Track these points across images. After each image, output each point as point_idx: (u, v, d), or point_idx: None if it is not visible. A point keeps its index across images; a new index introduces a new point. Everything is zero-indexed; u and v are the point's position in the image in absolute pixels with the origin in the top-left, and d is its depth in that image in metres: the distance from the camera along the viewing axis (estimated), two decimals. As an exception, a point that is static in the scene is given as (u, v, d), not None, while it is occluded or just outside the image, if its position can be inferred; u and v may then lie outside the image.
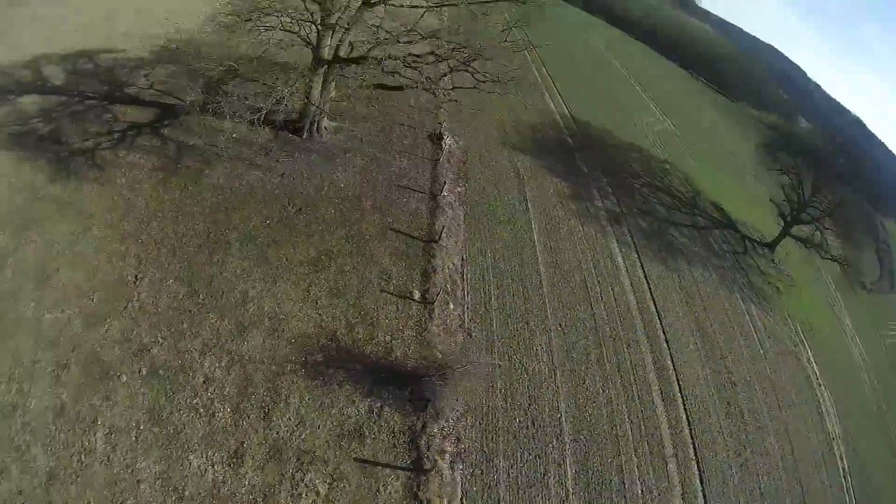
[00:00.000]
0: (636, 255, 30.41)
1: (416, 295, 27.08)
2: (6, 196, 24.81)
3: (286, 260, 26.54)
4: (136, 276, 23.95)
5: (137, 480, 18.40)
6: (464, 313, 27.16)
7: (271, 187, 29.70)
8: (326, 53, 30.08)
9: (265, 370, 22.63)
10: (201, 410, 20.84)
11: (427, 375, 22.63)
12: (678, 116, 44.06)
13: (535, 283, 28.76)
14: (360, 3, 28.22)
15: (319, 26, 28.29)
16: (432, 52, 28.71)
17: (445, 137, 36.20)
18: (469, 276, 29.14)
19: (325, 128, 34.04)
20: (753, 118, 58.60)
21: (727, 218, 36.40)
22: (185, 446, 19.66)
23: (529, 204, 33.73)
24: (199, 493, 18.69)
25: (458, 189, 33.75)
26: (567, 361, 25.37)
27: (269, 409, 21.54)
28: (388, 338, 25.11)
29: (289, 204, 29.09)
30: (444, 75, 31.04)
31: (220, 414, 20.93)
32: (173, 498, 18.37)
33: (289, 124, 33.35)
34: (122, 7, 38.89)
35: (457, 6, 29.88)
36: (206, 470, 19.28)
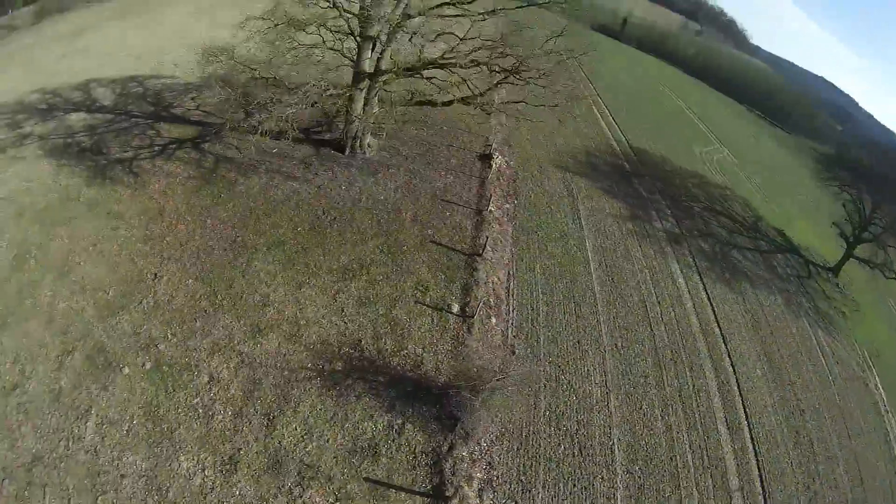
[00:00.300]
0: (698, 277, 31.11)
1: (455, 308, 26.21)
2: (42, 195, 28.39)
3: (314, 266, 27.15)
4: (155, 274, 25.57)
5: (121, 475, 18.37)
6: (507, 329, 25.77)
7: (306, 197, 31.36)
8: (367, 66, 32.85)
9: (276, 375, 22.31)
10: (200, 411, 20.69)
11: (459, 391, 21.00)
12: (735, 146, 46.79)
13: (589, 301, 28.79)
14: (399, 14, 30.90)
15: (358, 38, 31.17)
16: (474, 60, 30.20)
17: (495, 157, 37.04)
18: (515, 291, 28.16)
19: (369, 145, 36.19)
20: (808, 148, 62.91)
21: (789, 242, 38.20)
22: (178, 446, 19.48)
23: (583, 222, 34.99)
24: (184, 497, 18.11)
25: (507, 206, 33.78)
26: (623, 384, 24.66)
27: (274, 417, 20.87)
28: (418, 350, 24.11)
29: (323, 213, 30.35)
30: (490, 88, 32.46)
31: (220, 416, 20.62)
32: (155, 498, 17.97)
33: (331, 142, 35.97)
34: (172, 41, 45.65)
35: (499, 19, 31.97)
36: (195, 473, 18.79)
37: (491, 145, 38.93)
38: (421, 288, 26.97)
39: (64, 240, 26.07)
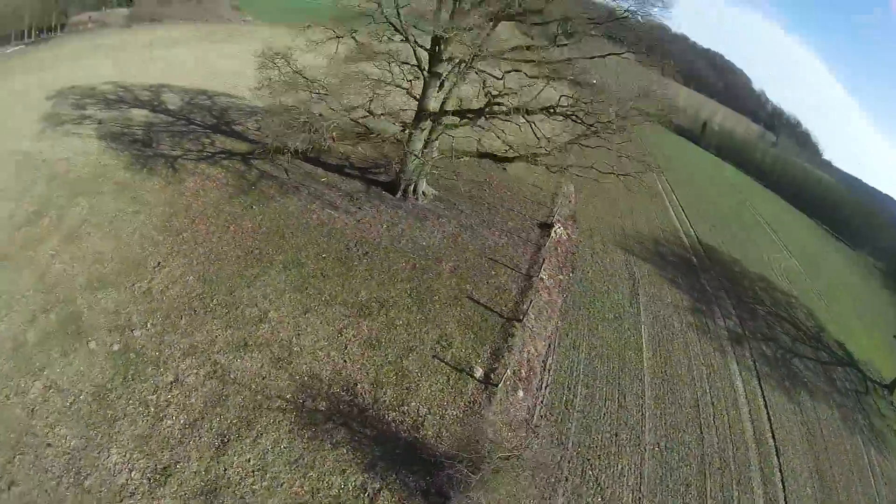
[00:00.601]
0: (757, 382, 30.87)
1: (478, 372, 24.14)
2: (79, 167, 31.70)
3: (328, 295, 26.61)
4: (158, 263, 26.43)
5: (47, 443, 17.93)
6: (535, 407, 23.18)
7: (342, 227, 31.73)
8: (432, 105, 34.28)
9: (247, 396, 21.05)
10: (152, 409, 19.83)
11: (454, 463, 18.45)
12: (803, 257, 50.29)
13: (636, 391, 27.05)
14: (472, 54, 32.45)
15: (426, 73, 32.88)
16: (549, 108, 30.71)
17: (556, 226, 36.28)
18: (553, 366, 25.92)
19: (423, 193, 36.83)
20: (872, 265, 68.24)
21: (850, 356, 39.09)
22: (114, 437, 18.60)
23: (642, 308, 33.90)
24: (100, 490, 16.97)
25: (560, 277, 32.35)
26: (660, 491, 22.67)
27: (228, 440, 19.36)
28: (422, 409, 22.00)
29: (355, 246, 30.34)
30: (567, 143, 32.67)
31: (170, 421, 19.56)
32: (70, 479, 17.07)
33: (385, 183, 37.03)
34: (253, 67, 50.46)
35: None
36: (120, 471, 17.63)
37: (554, 216, 38.37)
38: (444, 343, 25.32)
39: (83, 209, 28.27)
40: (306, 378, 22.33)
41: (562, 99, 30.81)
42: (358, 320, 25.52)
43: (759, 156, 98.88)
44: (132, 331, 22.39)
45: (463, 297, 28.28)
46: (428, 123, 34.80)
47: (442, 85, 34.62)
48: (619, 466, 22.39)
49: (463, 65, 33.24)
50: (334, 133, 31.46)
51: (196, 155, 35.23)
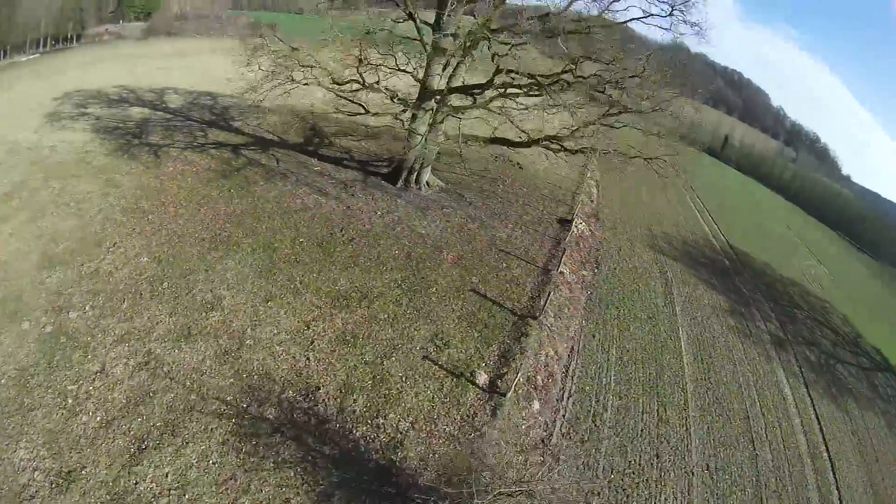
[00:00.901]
0: (805, 389, 27.22)
1: (482, 378, 18.87)
2: (63, 154, 29.12)
3: (299, 283, 22.01)
4: (114, 244, 22.86)
5: None
6: (555, 421, 17.68)
7: (328, 212, 27.30)
8: (436, 83, 29.80)
9: (179, 395, 16.50)
10: (69, 401, 15.99)
11: (434, 497, 13.10)
12: (832, 265, 48.75)
13: (678, 402, 22.05)
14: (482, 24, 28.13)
15: (429, 48, 28.59)
16: (562, 74, 25.85)
17: (577, 222, 31.02)
18: (577, 372, 20.71)
19: (427, 183, 32.18)
20: (894, 274, 68.77)
21: (886, 362, 36.54)
22: (25, 431, 15.02)
23: (678, 309, 29.00)
24: (1, 488, 13.61)
25: (584, 272, 27.19)
26: None
27: (146, 447, 14.87)
28: (403, 424, 16.84)
29: (340, 231, 25.71)
30: (590, 123, 27.77)
31: (86, 418, 15.62)
32: None
33: (386, 174, 32.40)
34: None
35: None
36: (23, 469, 14.10)
37: (575, 212, 33.13)
38: (438, 342, 20.17)
39: (55, 191, 25.65)
40: (255, 377, 17.60)
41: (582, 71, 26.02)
42: (332, 311, 20.71)
43: (779, 171, 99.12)
44: (69, 312, 18.74)
45: (466, 290, 23.17)
46: (432, 104, 30.30)
47: (448, 63, 30.32)
48: (663, 496, 17.21)
49: (470, 38, 28.97)
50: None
51: (184, 144, 31.97)
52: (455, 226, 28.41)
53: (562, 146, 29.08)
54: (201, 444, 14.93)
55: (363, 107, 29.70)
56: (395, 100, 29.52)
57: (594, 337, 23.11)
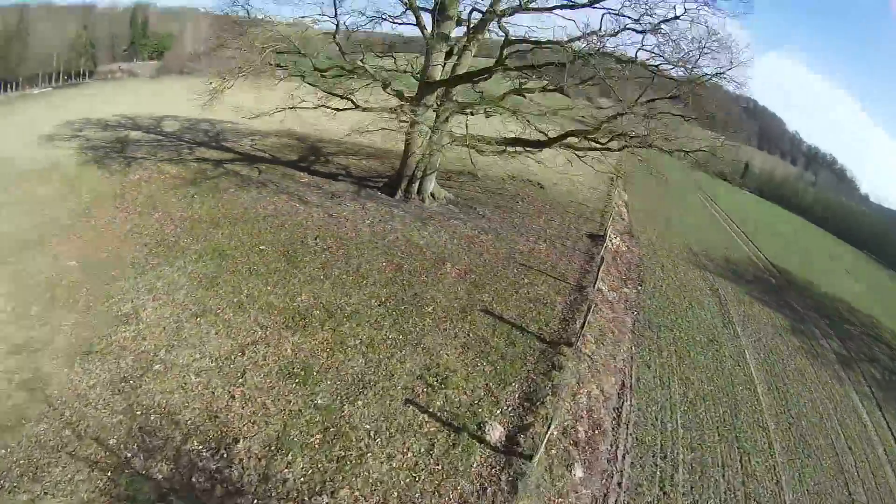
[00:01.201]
0: (880, 412, 21.95)
1: (495, 432, 12.20)
2: (35, 164, 24.78)
3: (245, 296, 16.06)
4: (48, 246, 17.77)
5: None
6: (608, 495, 10.62)
7: (304, 219, 21.48)
8: (439, 73, 24.60)
9: (53, 427, 10.89)
10: None
11: None
12: (868, 282, 45.26)
13: (762, 447, 15.63)
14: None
15: (429, 36, 23.70)
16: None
17: (610, 237, 24.57)
18: (633, 418, 13.74)
19: (433, 194, 26.30)
20: None
21: None
22: None
23: (738, 329, 22.46)
24: None
25: (626, 290, 20.50)
26: None
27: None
28: None
29: (315, 239, 19.75)
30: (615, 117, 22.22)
31: None
32: None
33: (385, 187, 26.85)
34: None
35: None
36: None
37: (608, 227, 26.74)
38: (432, 378, 13.55)
39: (11, 194, 21.46)
40: (153, 417, 11.27)
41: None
42: (281, 334, 14.36)
43: (801, 194, 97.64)
44: None
45: (474, 311, 16.64)
46: (434, 99, 24.97)
47: (451, 51, 25.28)
48: None
49: (476, 18, 24.08)
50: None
51: (162, 158, 27.04)
52: (463, 237, 22.19)
53: (590, 138, 23.35)
54: (59, 501, 8.76)
55: (352, 100, 24.69)
56: (388, 89, 24.35)
57: (649, 367, 16.13)
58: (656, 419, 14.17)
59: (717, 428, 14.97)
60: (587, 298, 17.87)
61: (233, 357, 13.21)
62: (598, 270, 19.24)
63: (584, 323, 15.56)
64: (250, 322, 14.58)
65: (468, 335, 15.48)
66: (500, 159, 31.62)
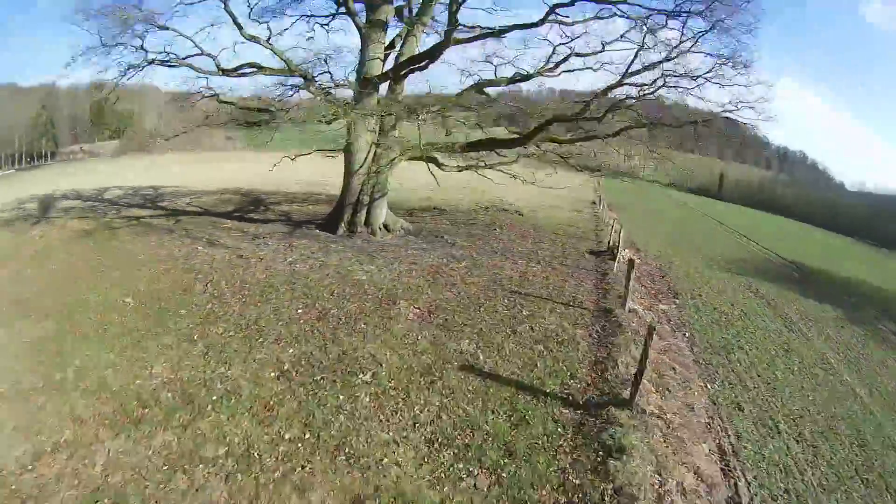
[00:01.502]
0: None
1: None
2: None
3: (74, 370, 8.94)
4: None
5: None
6: None
7: (200, 263, 14.68)
8: (379, 68, 19.00)
9: None
10: None
11: None
12: (870, 265, 41.49)
13: None
14: None
15: (363, 25, 18.40)
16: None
17: (620, 249, 18.30)
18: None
19: (385, 225, 19.87)
20: None
21: None
22: None
23: (805, 330, 15.90)
24: None
25: (663, 307, 13.98)
26: None
27: None
28: None
29: (206, 285, 12.87)
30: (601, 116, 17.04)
31: None
32: None
33: (324, 223, 20.46)
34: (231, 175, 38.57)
35: None
36: None
37: (609, 242, 20.48)
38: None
39: None
40: None
41: None
42: (97, 434, 7.06)
43: (780, 196, 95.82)
44: None
45: (446, 371, 9.54)
46: (375, 100, 19.14)
47: (392, 44, 19.83)
48: None
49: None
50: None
51: (76, 215, 21.64)
52: (426, 268, 15.47)
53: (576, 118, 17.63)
54: None
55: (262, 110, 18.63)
56: (316, 92, 18.38)
57: (741, 410, 9.24)
58: (786, 491, 7.31)
59: (857, 471, 8.15)
60: (621, 326, 11.27)
61: (18, 475, 6.16)
62: (628, 283, 12.64)
63: (643, 360, 8.68)
64: (64, 412, 7.55)
65: (438, 418, 8.33)
66: (468, 190, 26.08)
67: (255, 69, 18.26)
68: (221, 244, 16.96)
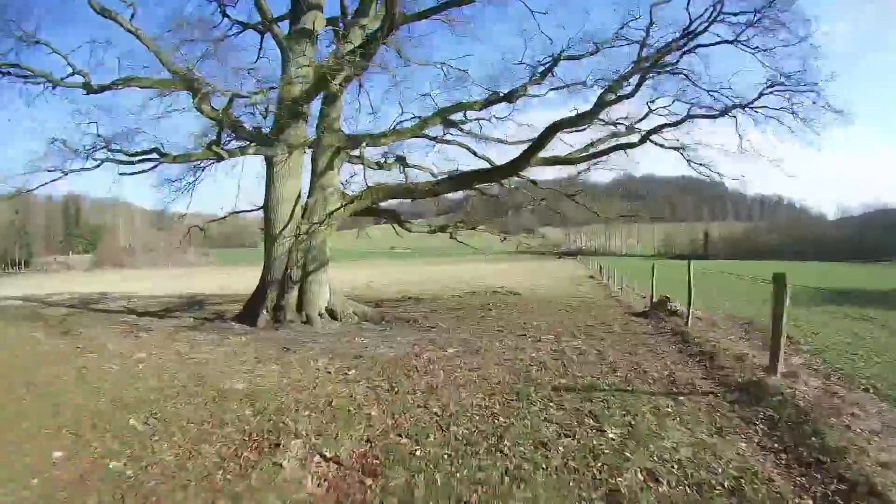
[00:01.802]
0: None
1: None
2: None
3: None
4: None
5: None
6: None
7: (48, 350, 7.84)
8: (299, 90, 13.62)
9: None
10: None
11: None
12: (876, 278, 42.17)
13: None
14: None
15: (282, 35, 13.72)
16: None
17: (673, 301, 12.62)
18: None
19: (330, 310, 13.39)
20: None
21: None
22: None
23: None
24: None
25: (794, 359, 8.03)
26: None
27: None
28: None
29: (26, 386, 6.11)
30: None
31: None
32: None
33: (245, 313, 13.91)
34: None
35: None
36: None
37: (651, 299, 14.55)
38: None
39: None
40: None
41: None
42: None
43: (763, 242, 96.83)
44: None
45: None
46: (302, 130, 13.75)
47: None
48: None
49: None
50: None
51: None
52: (389, 361, 9.15)
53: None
54: None
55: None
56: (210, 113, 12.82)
57: None
58: None
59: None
60: (798, 406, 4.97)
61: None
62: (780, 336, 6.34)
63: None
64: None
65: None
66: (450, 279, 20.78)
67: (128, 81, 12.59)
68: (98, 339, 10.46)
